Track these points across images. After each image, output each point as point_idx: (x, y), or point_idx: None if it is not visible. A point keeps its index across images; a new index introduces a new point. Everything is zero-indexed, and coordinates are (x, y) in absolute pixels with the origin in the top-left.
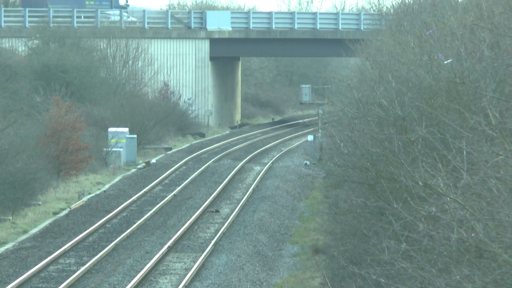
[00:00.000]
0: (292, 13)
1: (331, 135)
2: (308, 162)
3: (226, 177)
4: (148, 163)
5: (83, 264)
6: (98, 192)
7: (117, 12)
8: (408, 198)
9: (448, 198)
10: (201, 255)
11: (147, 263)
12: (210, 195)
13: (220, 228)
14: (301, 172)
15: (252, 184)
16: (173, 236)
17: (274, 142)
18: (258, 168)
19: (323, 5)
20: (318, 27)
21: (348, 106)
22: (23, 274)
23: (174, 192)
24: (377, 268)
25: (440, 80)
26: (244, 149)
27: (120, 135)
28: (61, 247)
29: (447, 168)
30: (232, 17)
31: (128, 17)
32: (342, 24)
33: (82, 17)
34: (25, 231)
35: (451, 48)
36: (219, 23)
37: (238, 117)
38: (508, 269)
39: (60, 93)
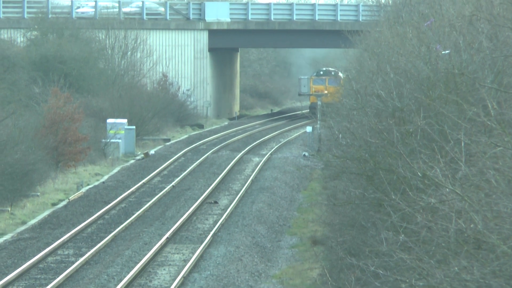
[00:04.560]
0: (291, 4)
1: (329, 126)
2: (306, 153)
3: (225, 168)
4: (146, 154)
5: (82, 255)
6: (96, 183)
7: None
8: (406, 189)
9: (447, 189)
10: (199, 246)
11: (146, 254)
12: (209, 186)
13: (219, 219)
14: (300, 163)
15: (251, 175)
16: (172, 227)
17: (273, 133)
18: (256, 159)
19: None
20: (316, 19)
21: (347, 97)
22: (21, 265)
23: (173, 183)
24: (376, 260)
25: (438, 71)
26: (243, 140)
27: (118, 126)
28: (59, 238)
29: (446, 159)
30: (230, 8)
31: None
32: (340, 15)
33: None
34: (23, 222)
35: (449, 39)
36: (218, 14)
37: (236, 108)
38: (506, 260)
39: (58, 84)
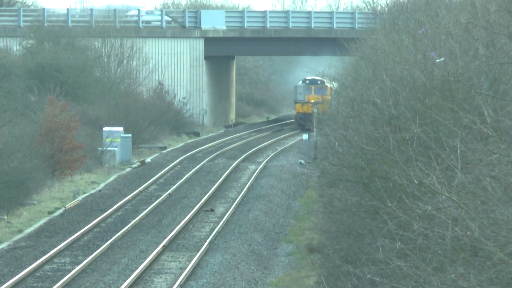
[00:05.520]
0: (287, 12)
1: (325, 134)
2: (303, 161)
3: (221, 176)
4: (143, 162)
5: (78, 264)
6: (93, 191)
7: None
8: (402, 196)
9: (443, 197)
10: (196, 254)
11: (142, 262)
12: (205, 194)
13: (215, 227)
14: (296, 171)
15: (247, 183)
16: (168, 235)
17: (269, 141)
18: (253, 167)
19: (318, 4)
20: (312, 26)
21: (343, 105)
22: (18, 274)
23: (169, 191)
24: (372, 267)
25: (434, 79)
26: (239, 148)
27: (114, 134)
28: (56, 247)
29: (442, 167)
30: (226, 16)
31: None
32: (336, 23)
33: (77, 16)
34: (20, 231)
35: (445, 47)
36: (214, 22)
37: (232, 116)
38: (503, 267)
39: (54, 93)
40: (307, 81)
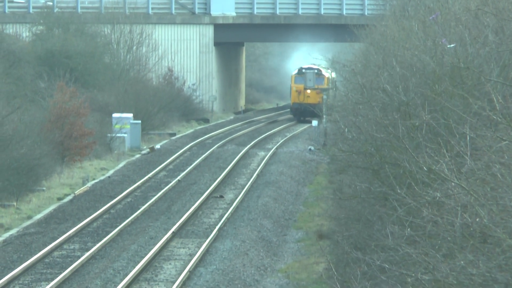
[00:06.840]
0: None
1: (335, 121)
2: (312, 148)
3: (231, 163)
4: (152, 149)
5: (88, 250)
6: (102, 177)
7: None
8: (412, 183)
9: (452, 183)
10: (205, 241)
11: (152, 248)
12: (215, 181)
13: (225, 214)
14: (305, 157)
15: (257, 169)
16: (178, 221)
17: (278, 128)
18: (262, 153)
19: None
20: (322, 13)
21: (352, 91)
22: (27, 260)
23: (179, 177)
24: (381, 254)
25: (444, 65)
26: (249, 134)
27: (124, 121)
28: (65, 233)
29: (451, 154)
30: (236, 2)
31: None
32: (346, 9)
33: (86, 2)
34: (29, 217)
35: (455, 33)
36: (223, 9)
37: (242, 103)
38: None
39: (64, 79)
40: (303, 70)
